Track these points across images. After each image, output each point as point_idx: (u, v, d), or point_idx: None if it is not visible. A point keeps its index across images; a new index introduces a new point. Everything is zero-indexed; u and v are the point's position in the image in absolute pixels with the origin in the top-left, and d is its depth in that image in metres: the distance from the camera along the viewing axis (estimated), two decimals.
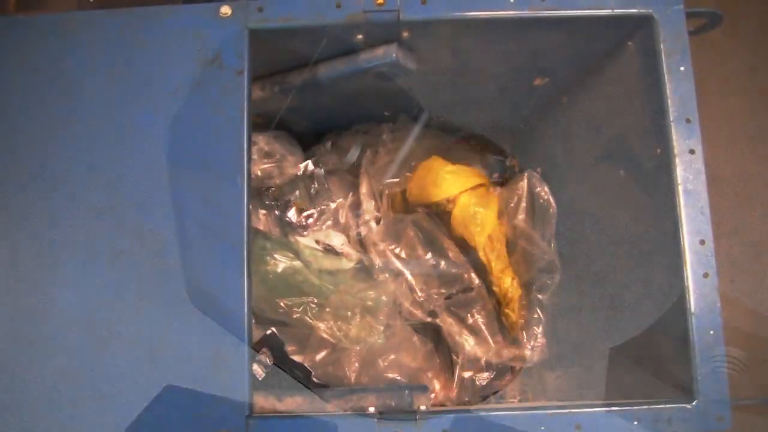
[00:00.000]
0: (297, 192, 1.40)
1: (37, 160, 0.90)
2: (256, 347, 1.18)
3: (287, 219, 1.39)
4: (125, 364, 0.85)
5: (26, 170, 0.90)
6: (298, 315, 1.20)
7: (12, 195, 0.90)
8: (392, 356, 1.24)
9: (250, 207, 0.90)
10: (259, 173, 1.30)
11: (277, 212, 1.39)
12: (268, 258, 1.20)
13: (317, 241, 1.37)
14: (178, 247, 0.87)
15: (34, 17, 0.97)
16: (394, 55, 0.99)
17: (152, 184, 0.89)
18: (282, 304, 1.19)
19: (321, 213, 1.40)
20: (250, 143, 0.89)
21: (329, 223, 1.40)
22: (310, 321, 1.19)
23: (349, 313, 1.21)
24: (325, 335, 1.18)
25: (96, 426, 0.84)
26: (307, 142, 1.43)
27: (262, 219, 1.37)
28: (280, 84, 1.09)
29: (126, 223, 0.88)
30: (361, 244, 1.38)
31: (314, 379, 1.18)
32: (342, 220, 1.41)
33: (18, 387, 0.85)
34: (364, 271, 1.30)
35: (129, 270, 0.87)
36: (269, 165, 1.30)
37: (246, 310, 0.85)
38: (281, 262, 1.20)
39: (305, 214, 1.40)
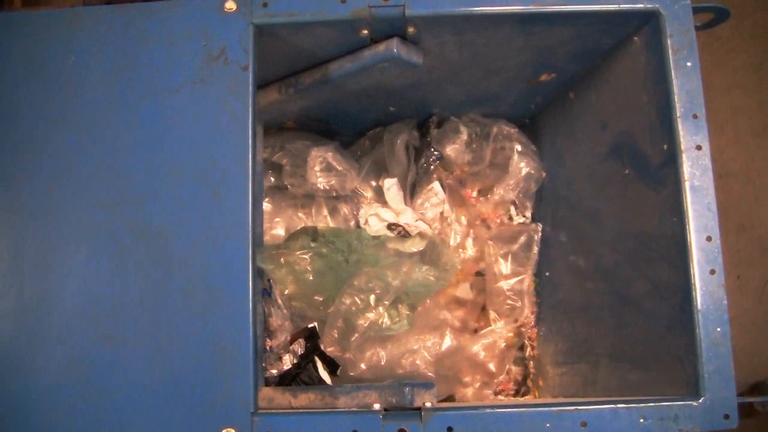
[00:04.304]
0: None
1: (42, 155, 0.90)
2: (296, 337, 1.19)
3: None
4: (129, 360, 0.85)
5: (31, 165, 0.90)
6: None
7: (16, 189, 0.90)
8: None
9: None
10: (320, 185, 1.31)
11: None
12: (307, 257, 1.18)
13: (390, 226, 1.36)
14: (182, 242, 0.87)
15: (39, 12, 0.97)
16: (395, 50, 0.99)
17: (157, 180, 0.89)
18: (320, 300, 1.19)
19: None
20: (256, 139, 0.89)
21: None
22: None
23: (372, 296, 1.19)
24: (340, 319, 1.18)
25: (98, 422, 0.84)
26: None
27: (303, 217, 1.38)
28: (295, 86, 1.10)
29: (130, 219, 0.88)
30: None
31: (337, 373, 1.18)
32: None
33: (21, 381, 0.85)
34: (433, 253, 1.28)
35: (133, 265, 0.87)
36: (330, 178, 1.31)
37: (251, 306, 0.85)
38: (322, 258, 1.18)
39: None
